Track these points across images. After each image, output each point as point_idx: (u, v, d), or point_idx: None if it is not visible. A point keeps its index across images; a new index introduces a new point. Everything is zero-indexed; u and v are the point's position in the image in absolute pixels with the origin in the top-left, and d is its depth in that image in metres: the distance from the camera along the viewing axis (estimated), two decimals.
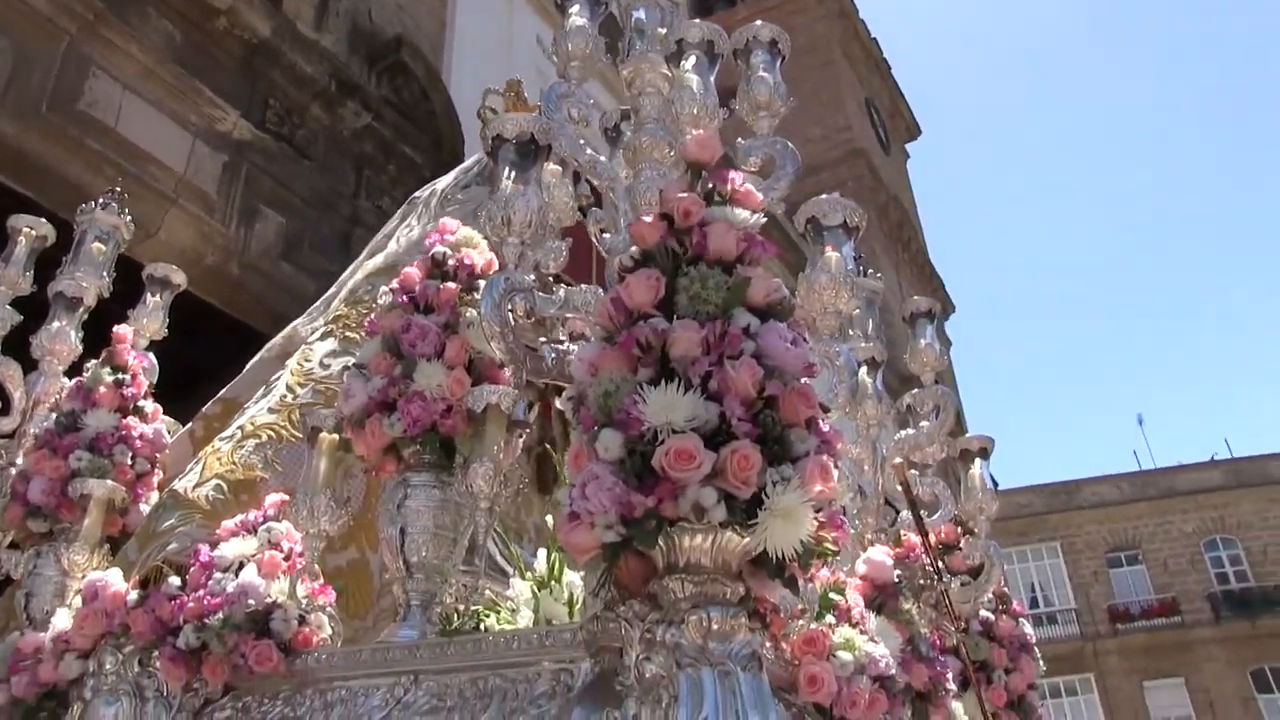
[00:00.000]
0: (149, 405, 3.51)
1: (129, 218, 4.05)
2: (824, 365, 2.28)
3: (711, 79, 2.44)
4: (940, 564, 3.58)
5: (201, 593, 2.46)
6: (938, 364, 3.76)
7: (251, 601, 2.40)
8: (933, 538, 3.84)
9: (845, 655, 2.24)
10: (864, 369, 3.62)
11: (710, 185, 2.09)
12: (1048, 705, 25.46)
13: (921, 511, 3.72)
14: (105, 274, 3.93)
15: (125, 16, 6.95)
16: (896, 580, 2.64)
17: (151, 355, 3.85)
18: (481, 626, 2.32)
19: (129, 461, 3.32)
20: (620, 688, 1.77)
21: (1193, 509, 31.44)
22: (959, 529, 3.79)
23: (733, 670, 1.68)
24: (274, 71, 8.13)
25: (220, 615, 2.39)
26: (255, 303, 7.66)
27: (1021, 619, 3.64)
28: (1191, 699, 29.52)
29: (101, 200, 4.01)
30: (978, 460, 3.42)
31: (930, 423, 3.69)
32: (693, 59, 2.39)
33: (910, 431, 3.72)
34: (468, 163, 4.00)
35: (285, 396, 3.11)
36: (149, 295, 3.92)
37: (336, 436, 2.53)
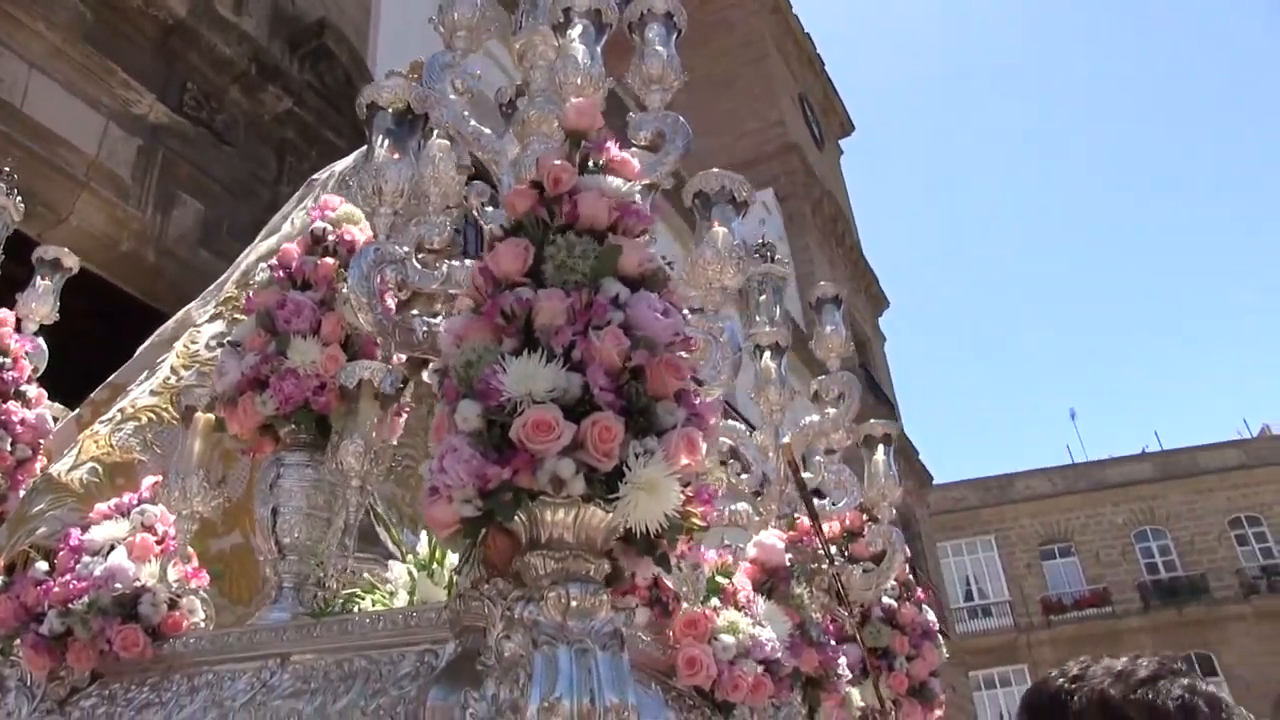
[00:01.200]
0: (32, 390, 3.39)
1: (18, 198, 3.92)
2: (708, 340, 2.24)
3: (598, 48, 2.39)
4: (836, 549, 3.57)
5: (68, 577, 2.37)
6: (843, 350, 3.73)
7: (119, 585, 2.31)
8: (842, 523, 3.84)
9: (728, 639, 2.21)
10: (768, 354, 3.59)
11: (588, 154, 2.04)
12: (983, 696, 25.92)
13: (818, 495, 3.71)
14: None
15: None
16: (788, 564, 2.60)
17: (40, 340, 3.73)
18: (357, 609, 2.25)
19: (8, 447, 3.21)
20: (481, 668, 1.71)
21: (1123, 501, 32.05)
22: (864, 516, 3.77)
23: (591, 648, 1.63)
24: (191, 54, 7.94)
25: (86, 600, 2.30)
26: (172, 289, 7.48)
27: (925, 606, 3.63)
28: None
29: None
30: (880, 447, 3.39)
31: (836, 409, 3.65)
32: (579, 28, 2.33)
33: (815, 418, 3.69)
34: (359, 150, 3.92)
35: (169, 379, 3.01)
36: (39, 278, 3.80)
37: (212, 416, 2.44)
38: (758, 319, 3.89)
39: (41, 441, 3.32)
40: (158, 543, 2.41)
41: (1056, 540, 32.47)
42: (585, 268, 1.83)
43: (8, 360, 3.36)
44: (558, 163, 1.97)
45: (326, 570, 2.29)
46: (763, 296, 3.90)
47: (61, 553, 2.45)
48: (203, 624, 2.38)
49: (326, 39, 9.17)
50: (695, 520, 1.75)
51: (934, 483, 26.63)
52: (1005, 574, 32.29)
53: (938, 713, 3.50)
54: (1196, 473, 31.63)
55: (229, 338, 2.52)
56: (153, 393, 2.97)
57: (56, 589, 2.34)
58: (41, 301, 3.75)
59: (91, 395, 3.52)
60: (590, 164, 2.03)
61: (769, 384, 3.54)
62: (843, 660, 2.71)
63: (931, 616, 3.64)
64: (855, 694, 2.93)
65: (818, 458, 3.72)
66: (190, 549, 2.46)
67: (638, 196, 2.00)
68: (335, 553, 2.31)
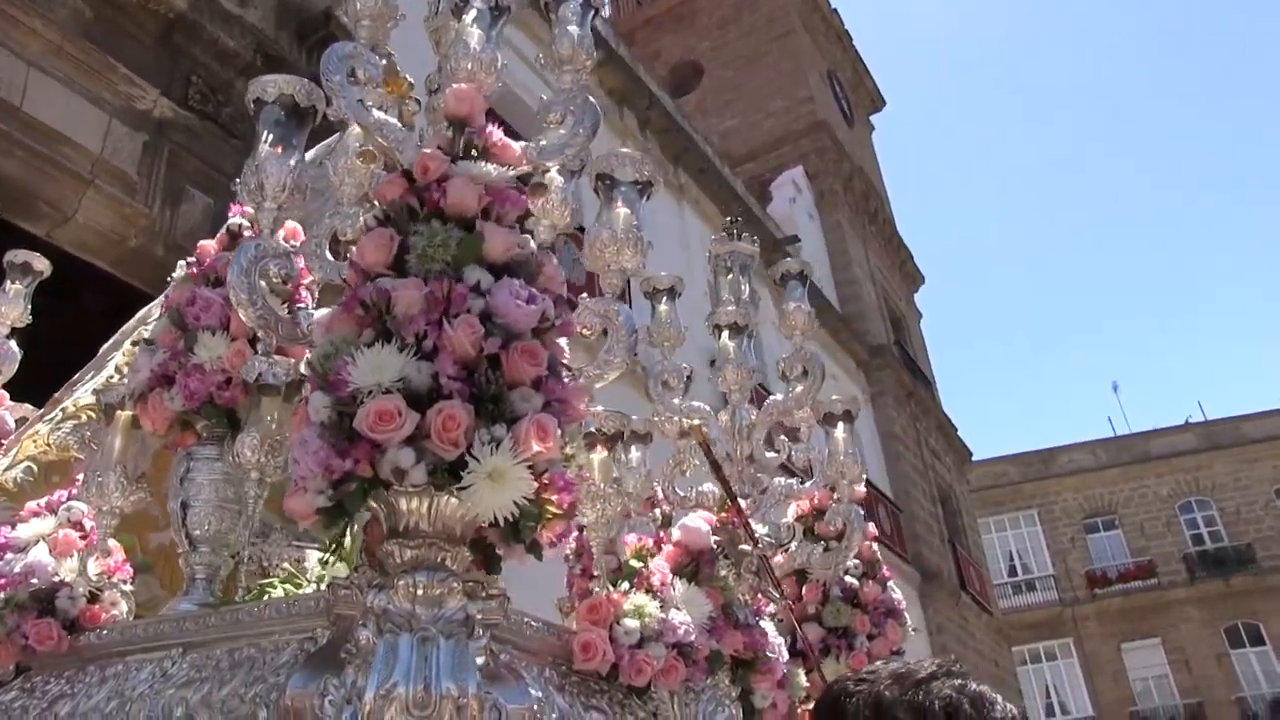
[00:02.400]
0: None
1: None
2: (603, 324, 2.22)
3: (495, 32, 2.37)
4: (804, 529, 3.55)
5: None
6: (807, 327, 3.69)
7: (35, 580, 2.34)
8: (811, 502, 3.80)
9: (631, 623, 2.20)
10: (725, 333, 3.56)
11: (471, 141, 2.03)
12: (1028, 670, 25.64)
13: (791, 473, 3.69)
14: None
15: None
16: (714, 546, 2.59)
17: (11, 343, 3.77)
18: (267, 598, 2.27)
19: None
20: (345, 656, 1.72)
21: (1167, 472, 31.62)
22: (832, 494, 3.73)
23: (434, 636, 1.64)
24: (195, 47, 7.98)
25: (3, 596, 2.34)
26: None
27: (890, 584, 3.60)
28: (1168, 658, 29.85)
29: None
30: (840, 424, 3.35)
31: (800, 387, 3.62)
32: (473, 12, 2.32)
33: (778, 397, 3.66)
34: (329, 140, 3.92)
35: (111, 377, 3.04)
36: (9, 282, 3.84)
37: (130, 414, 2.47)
38: (724, 298, 3.85)
39: (2, 442, 3.36)
40: (82, 538, 2.44)
41: (1100, 513, 32.09)
42: (446, 256, 1.82)
43: None
44: (427, 151, 1.96)
45: (240, 561, 2.32)
46: (729, 275, 3.86)
47: None
48: (125, 616, 2.41)
49: (333, 29, 9.18)
50: (552, 508, 1.74)
51: (974, 459, 26.38)
52: (1049, 548, 31.99)
53: None
54: (1241, 442, 31.12)
55: (145, 335, 2.55)
56: (94, 391, 3.00)
57: None
58: (12, 305, 3.78)
59: (55, 394, 3.57)
60: (473, 149, 2.03)
61: (727, 363, 3.51)
62: (775, 640, 2.69)
63: (897, 595, 3.59)
64: (800, 675, 2.92)
65: (782, 436, 3.69)
66: (119, 543, 2.49)
67: (516, 179, 1.99)
68: (246, 543, 2.33)
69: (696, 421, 2.82)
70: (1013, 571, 32.09)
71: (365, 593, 1.70)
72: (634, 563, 2.43)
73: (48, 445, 2.86)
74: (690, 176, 15.70)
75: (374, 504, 1.73)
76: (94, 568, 2.38)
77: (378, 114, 2.39)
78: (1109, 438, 33.61)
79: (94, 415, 2.92)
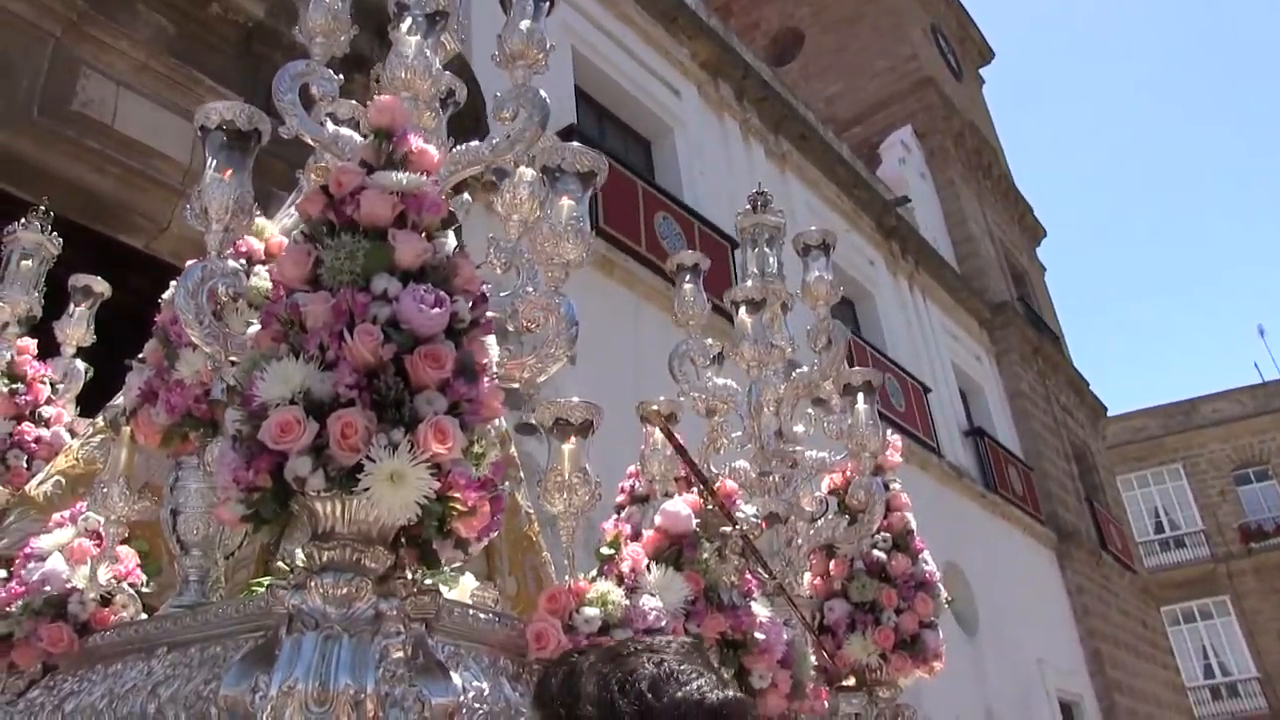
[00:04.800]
0: (50, 411, 3.66)
1: (54, 234, 4.19)
2: (544, 316, 2.26)
3: (432, 39, 2.42)
4: (838, 502, 3.54)
5: (13, 582, 2.57)
6: (829, 297, 3.66)
7: (49, 587, 2.49)
8: (844, 474, 3.76)
9: (591, 611, 2.23)
10: (743, 309, 3.56)
11: (392, 150, 2.09)
12: (1181, 630, 24.74)
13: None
14: (35, 290, 4.08)
15: (111, 13, 7.01)
16: (695, 530, 2.60)
17: (78, 362, 4.00)
18: None
19: (24, 464, 3.48)
20: (278, 653, 1.80)
21: None
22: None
23: (337, 634, 1.70)
24: (275, 54, 8.17)
25: (21, 602, 2.50)
26: None
27: (923, 555, 3.54)
28: None
29: (24, 219, 4.16)
30: (860, 395, 3.31)
31: (822, 358, 3.60)
32: (409, 20, 2.37)
33: (804, 370, 3.65)
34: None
35: None
36: (73, 305, 4.06)
37: None
38: (752, 270, 3.84)
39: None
40: (97, 547, 2.59)
41: (1251, 464, 30.72)
42: (354, 267, 1.88)
43: (22, 385, 3.64)
44: (343, 165, 2.03)
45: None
46: (755, 249, 3.85)
47: (17, 560, 2.65)
48: (134, 618, 2.55)
49: None
50: (458, 506, 1.79)
51: (1110, 414, 25.56)
52: (1197, 503, 30.76)
53: (936, 665, 3.43)
54: None
55: (140, 355, 2.68)
56: (107, 407, 3.16)
57: (2, 594, 2.55)
58: (76, 326, 4.01)
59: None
60: (394, 158, 2.08)
61: (744, 339, 3.52)
62: (768, 620, 2.69)
63: (930, 566, 3.54)
64: (808, 653, 2.91)
65: (808, 410, 3.68)
66: (131, 549, 2.64)
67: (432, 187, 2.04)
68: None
69: (654, 406, 2.82)
70: (1159, 529, 31.00)
71: (286, 594, 1.78)
72: (606, 550, 2.47)
73: (76, 460, 3.03)
74: (792, 144, 15.54)
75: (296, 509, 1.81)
76: (104, 573, 2.52)
77: (331, 128, 2.47)
78: (1256, 384, 32.10)
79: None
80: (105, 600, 2.53)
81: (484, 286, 2.05)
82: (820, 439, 3.63)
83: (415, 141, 2.09)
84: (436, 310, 1.86)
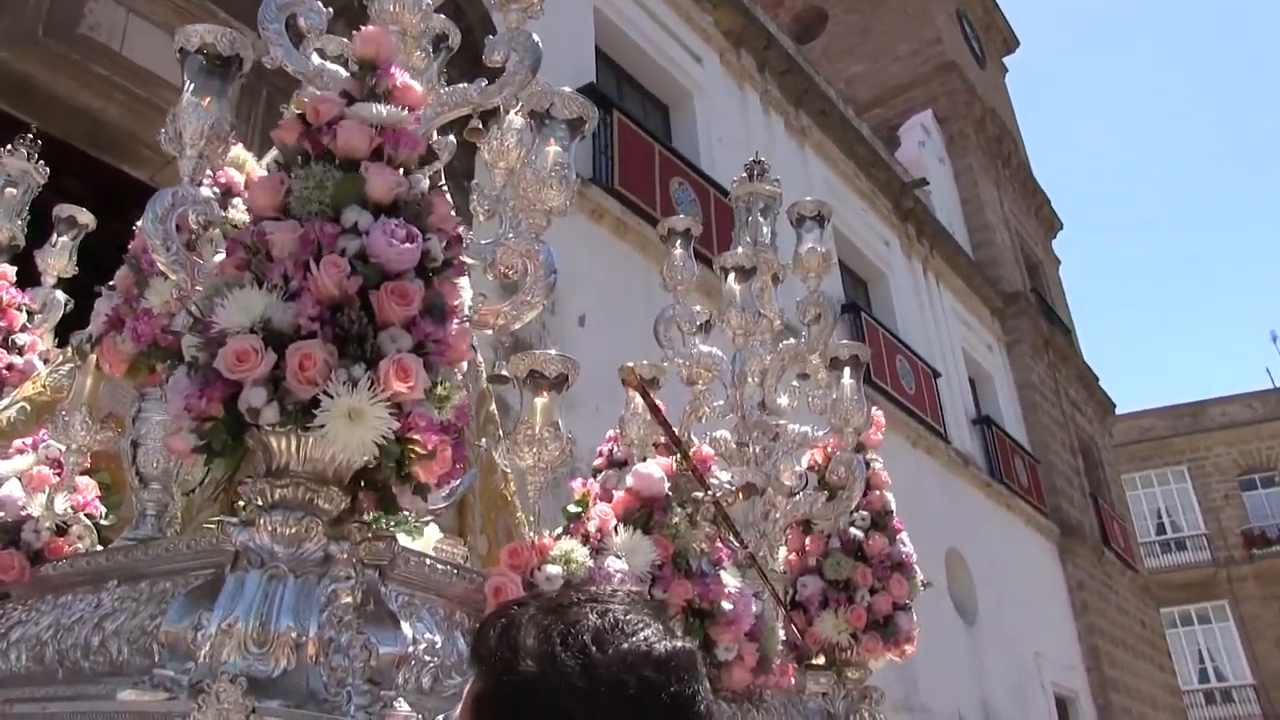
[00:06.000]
0: (25, 338, 3.62)
1: (40, 162, 4.14)
2: (523, 262, 2.19)
3: None
4: (818, 476, 3.48)
5: None
6: (821, 269, 3.59)
7: (2, 513, 2.45)
8: (824, 450, 3.70)
9: (553, 569, 2.18)
10: (732, 276, 3.49)
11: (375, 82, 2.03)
12: (1179, 633, 24.67)
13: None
14: (19, 218, 4.04)
15: None
16: (668, 494, 2.55)
17: (58, 292, 3.96)
18: None
19: None
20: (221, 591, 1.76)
21: None
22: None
23: (283, 574, 1.66)
24: None
25: None
26: None
27: (900, 536, 3.48)
28: None
29: (9, 146, 4.11)
30: (847, 370, 3.24)
31: (811, 330, 3.54)
32: None
33: (790, 341, 3.58)
34: None
35: None
36: (56, 235, 4.02)
37: None
38: (746, 238, 3.78)
39: None
40: (56, 475, 2.55)
41: (1258, 469, 30.48)
42: (324, 198, 1.83)
43: None
44: (321, 94, 1.97)
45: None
46: (750, 216, 3.78)
47: None
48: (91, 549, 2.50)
49: None
50: (417, 449, 1.74)
51: (1118, 412, 25.42)
52: (1200, 506, 30.53)
53: (908, 648, 3.36)
54: None
55: (110, 282, 2.62)
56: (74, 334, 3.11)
57: None
58: (59, 256, 3.97)
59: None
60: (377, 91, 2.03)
61: (731, 307, 3.45)
62: (738, 590, 2.64)
63: (908, 548, 3.47)
64: (777, 628, 2.86)
65: (793, 382, 3.62)
66: (92, 480, 2.60)
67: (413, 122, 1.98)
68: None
69: (630, 364, 2.76)
70: (1161, 530, 30.82)
71: (234, 530, 1.73)
72: (573, 508, 2.42)
73: (44, 387, 2.99)
74: (812, 119, 15.39)
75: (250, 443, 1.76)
76: (61, 503, 2.47)
77: (317, 61, 2.41)
78: (1268, 389, 31.84)
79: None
80: (61, 530, 2.49)
81: (459, 228, 1.99)
82: (805, 413, 3.57)
83: (400, 76, 2.03)
84: (407, 245, 1.80)
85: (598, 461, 3.28)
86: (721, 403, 3.53)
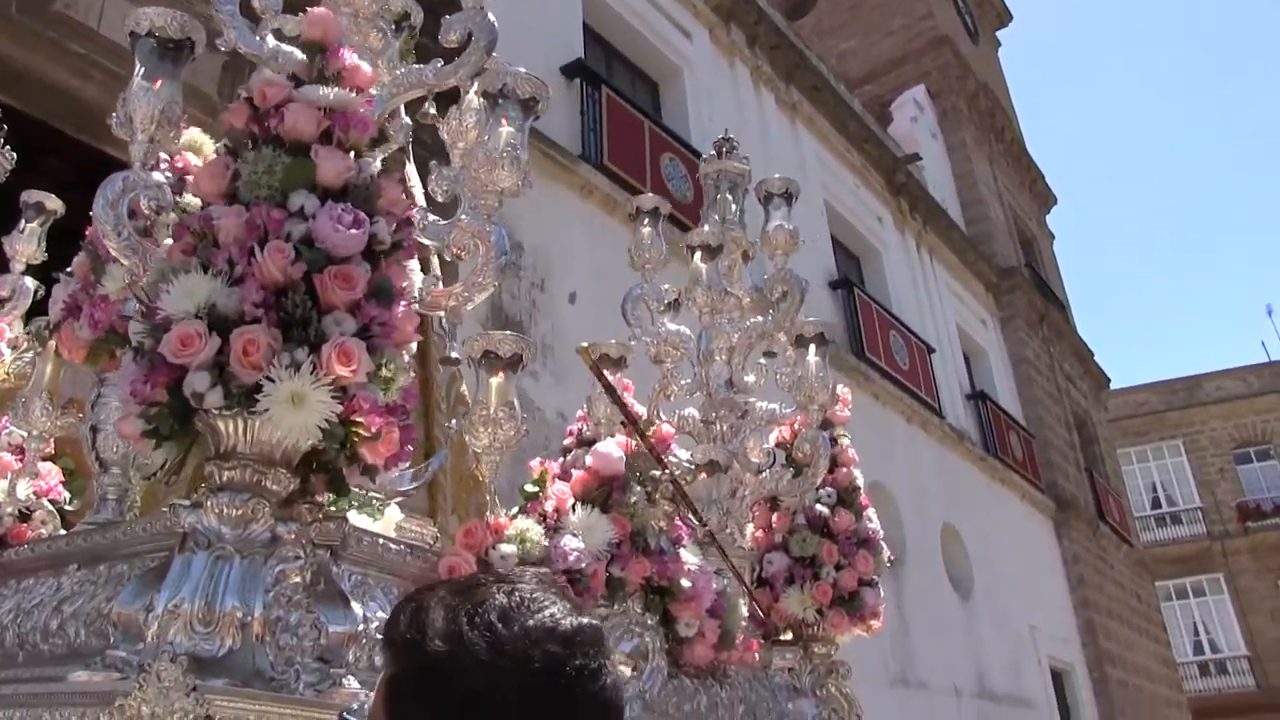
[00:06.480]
0: None
1: (8, 148, 4.13)
2: (474, 244, 2.21)
3: None
4: (785, 454, 3.50)
5: None
6: (789, 247, 3.60)
7: None
8: (791, 427, 3.71)
9: (507, 548, 2.20)
10: (699, 254, 3.51)
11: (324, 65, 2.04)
12: (1174, 606, 24.73)
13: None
14: None
15: None
16: (626, 472, 2.57)
17: (28, 279, 3.96)
18: None
19: None
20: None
21: None
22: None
23: (229, 555, 1.68)
24: None
25: None
26: None
27: (867, 513, 3.49)
28: None
29: None
30: (812, 347, 3.25)
31: (778, 308, 3.55)
32: None
33: (757, 319, 3.60)
34: None
35: None
36: (24, 221, 4.02)
37: None
38: (716, 217, 3.79)
39: None
40: (18, 461, 2.57)
41: (1253, 443, 30.60)
42: (272, 182, 1.84)
43: None
44: (269, 78, 1.98)
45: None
46: (719, 194, 3.79)
47: None
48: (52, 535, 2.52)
49: None
50: (361, 431, 1.76)
51: (1113, 387, 25.45)
52: (1195, 480, 30.68)
53: (874, 624, 3.38)
54: None
55: (68, 268, 2.63)
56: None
57: None
58: (26, 243, 3.96)
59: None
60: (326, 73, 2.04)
61: (697, 285, 3.47)
62: (697, 568, 2.67)
63: (874, 524, 3.49)
64: (740, 604, 2.89)
65: (760, 360, 3.63)
66: (56, 466, 2.62)
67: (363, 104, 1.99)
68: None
69: (586, 344, 2.78)
70: (1156, 504, 30.96)
71: (183, 513, 1.75)
72: (530, 488, 2.44)
73: (7, 374, 2.99)
74: (803, 94, 15.34)
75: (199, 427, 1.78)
76: (24, 488, 2.49)
77: (272, 43, 2.41)
78: (1262, 363, 31.87)
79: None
80: (24, 516, 2.51)
81: (411, 210, 2.00)
82: (775, 391, 3.58)
83: (348, 57, 2.04)
84: (354, 230, 1.81)
85: (568, 440, 3.29)
86: (689, 381, 3.55)
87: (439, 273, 2.50)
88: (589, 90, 10.19)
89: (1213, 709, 26.27)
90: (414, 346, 1.94)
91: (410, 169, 3.07)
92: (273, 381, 1.67)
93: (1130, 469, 29.32)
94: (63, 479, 2.64)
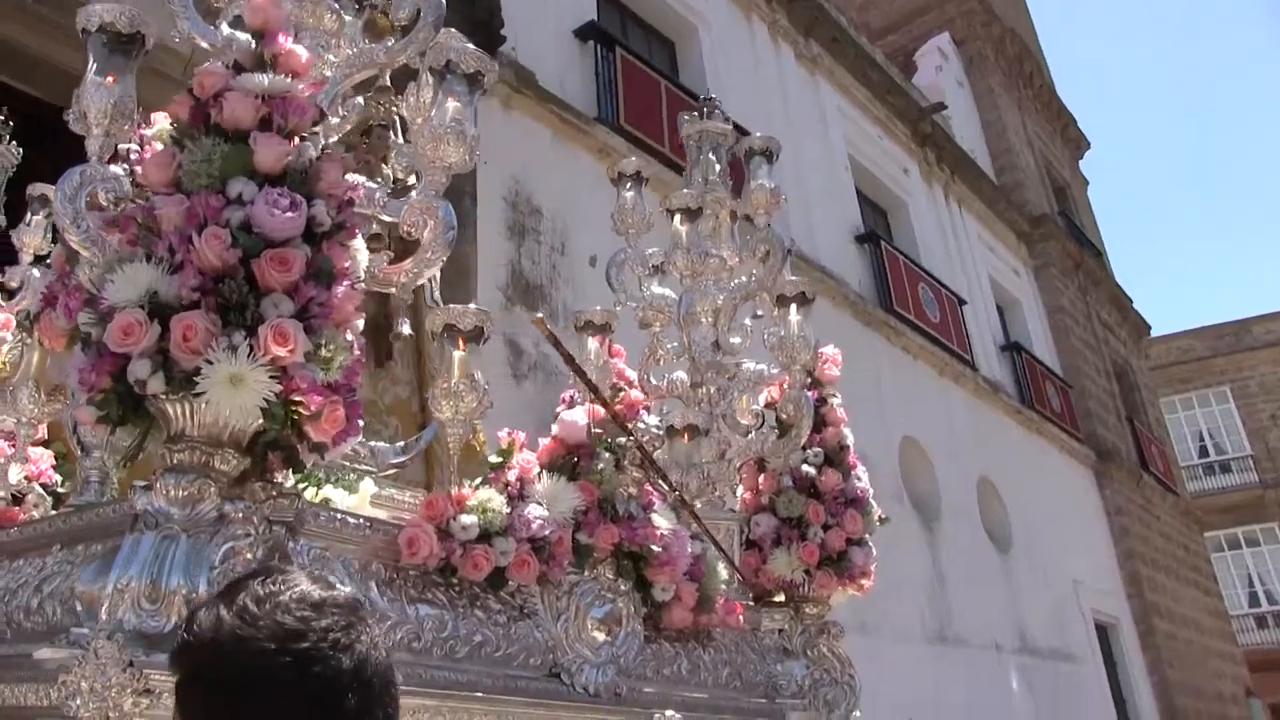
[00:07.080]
0: None
1: (13, 144, 4.20)
2: (424, 219, 2.25)
3: None
4: (773, 414, 3.52)
5: None
6: (771, 206, 3.60)
7: None
8: (780, 388, 3.72)
9: (467, 519, 2.25)
10: (678, 218, 3.52)
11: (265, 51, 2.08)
12: (1225, 557, 24.31)
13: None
14: None
15: None
16: (593, 440, 2.60)
17: (35, 270, 4.05)
18: None
19: None
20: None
21: None
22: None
23: (175, 534, 1.74)
24: None
25: None
26: None
27: (856, 472, 3.50)
28: None
29: None
30: (793, 306, 3.26)
31: (762, 268, 3.57)
32: None
33: (741, 280, 3.61)
34: None
35: None
36: (30, 214, 4.10)
37: None
38: (696, 179, 3.79)
39: None
40: (11, 447, 2.65)
41: None
42: (212, 170, 1.89)
43: None
44: (208, 67, 2.02)
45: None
46: (701, 155, 3.80)
47: None
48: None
49: None
50: (301, 409, 1.81)
51: (1154, 333, 25.08)
52: (1245, 427, 30.00)
53: (865, 583, 3.40)
54: None
55: (47, 261, 2.70)
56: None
57: None
58: (33, 234, 4.05)
59: None
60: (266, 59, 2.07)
61: (678, 249, 3.49)
62: (671, 533, 2.70)
63: (863, 483, 3.50)
64: (720, 567, 2.92)
65: (746, 320, 3.65)
66: (47, 451, 2.70)
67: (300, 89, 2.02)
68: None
69: (539, 315, 2.81)
70: (1203, 453, 30.38)
71: (136, 494, 1.81)
72: (495, 458, 2.49)
73: (3, 363, 3.08)
74: (823, 47, 15.15)
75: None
76: (16, 473, 2.58)
77: (227, 31, 2.45)
78: None
79: None
80: (17, 499, 2.60)
81: (353, 191, 2.04)
82: (762, 352, 3.60)
83: (284, 42, 2.07)
84: (290, 214, 1.85)
85: (559, 409, 3.34)
86: (675, 344, 3.58)
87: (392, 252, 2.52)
88: (603, 52, 10.14)
89: (1274, 662, 25.86)
90: (359, 324, 1.98)
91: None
92: (211, 364, 1.72)
93: (1175, 417, 28.86)
94: (54, 463, 2.72)
